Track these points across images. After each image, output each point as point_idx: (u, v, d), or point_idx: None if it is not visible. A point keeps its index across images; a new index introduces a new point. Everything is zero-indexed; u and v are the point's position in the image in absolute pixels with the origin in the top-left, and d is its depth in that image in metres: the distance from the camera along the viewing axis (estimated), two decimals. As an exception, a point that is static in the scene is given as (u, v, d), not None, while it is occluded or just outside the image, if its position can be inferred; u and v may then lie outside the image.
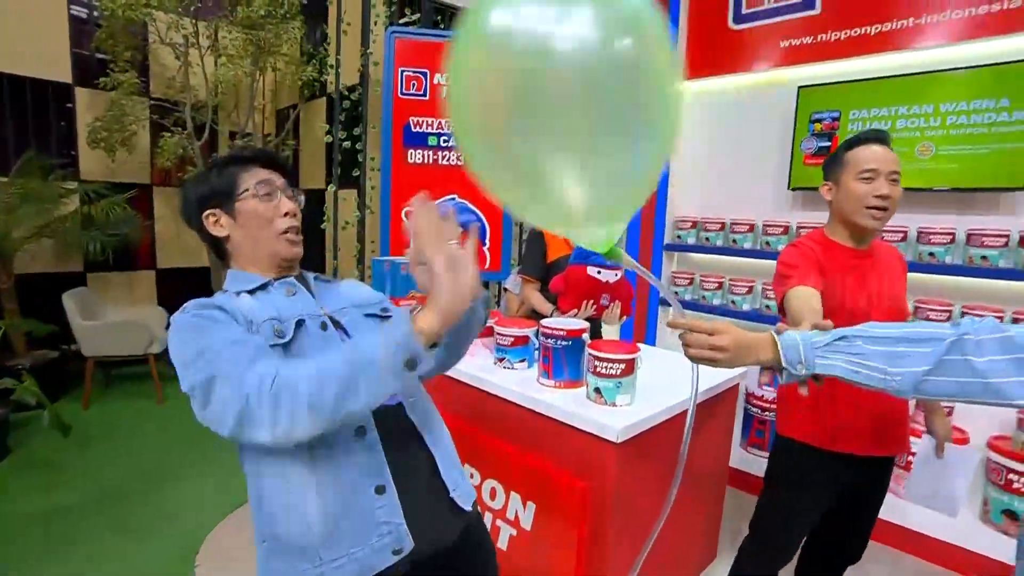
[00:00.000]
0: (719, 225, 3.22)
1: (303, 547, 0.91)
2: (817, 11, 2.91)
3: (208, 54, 4.22)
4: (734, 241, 3.14)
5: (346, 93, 2.88)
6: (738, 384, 2.06)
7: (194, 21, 4.10)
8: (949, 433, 1.58)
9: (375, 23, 3.02)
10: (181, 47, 4.16)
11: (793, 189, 2.98)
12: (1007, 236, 2.37)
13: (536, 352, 1.80)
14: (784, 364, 0.98)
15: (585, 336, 1.68)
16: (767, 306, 2.99)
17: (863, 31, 2.77)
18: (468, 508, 1.08)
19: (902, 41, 2.65)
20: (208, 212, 1.02)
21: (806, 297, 1.37)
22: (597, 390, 1.56)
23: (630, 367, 1.55)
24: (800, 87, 2.90)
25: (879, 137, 1.49)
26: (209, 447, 3.21)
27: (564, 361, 1.67)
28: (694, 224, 3.33)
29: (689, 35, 3.37)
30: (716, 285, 3.20)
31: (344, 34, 2.89)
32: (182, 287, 4.99)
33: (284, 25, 3.98)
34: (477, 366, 1.87)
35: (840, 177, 1.51)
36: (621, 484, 1.51)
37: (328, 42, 2.98)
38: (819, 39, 2.90)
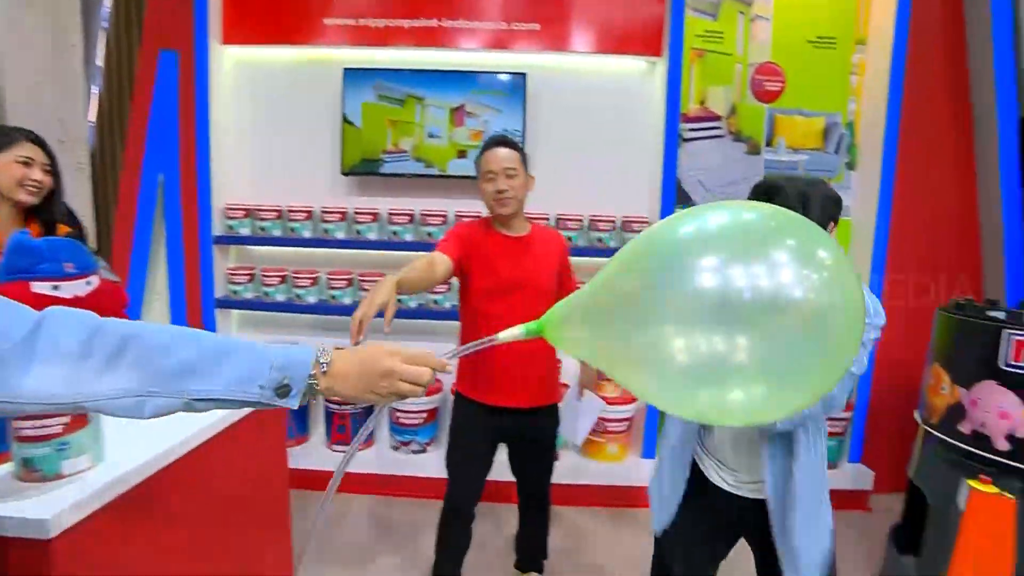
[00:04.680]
0: (275, 213, 2.89)
1: None
2: (355, -7, 2.85)
3: None
4: (292, 230, 2.86)
5: None
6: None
7: None
8: (590, 381, 2.03)
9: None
10: None
11: (347, 174, 2.89)
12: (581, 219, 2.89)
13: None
14: None
15: None
16: (333, 296, 2.84)
17: (400, 23, 2.85)
18: None
19: (436, 38, 2.84)
20: None
21: (428, 257, 1.57)
22: (26, 462, 1.01)
23: (81, 421, 1.05)
24: (345, 69, 2.81)
25: (500, 141, 1.70)
26: None
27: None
28: (247, 212, 2.90)
29: (224, -9, 2.85)
30: (279, 279, 2.87)
31: None
32: None
33: None
34: None
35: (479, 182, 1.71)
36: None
37: None
38: (360, 23, 2.86)
